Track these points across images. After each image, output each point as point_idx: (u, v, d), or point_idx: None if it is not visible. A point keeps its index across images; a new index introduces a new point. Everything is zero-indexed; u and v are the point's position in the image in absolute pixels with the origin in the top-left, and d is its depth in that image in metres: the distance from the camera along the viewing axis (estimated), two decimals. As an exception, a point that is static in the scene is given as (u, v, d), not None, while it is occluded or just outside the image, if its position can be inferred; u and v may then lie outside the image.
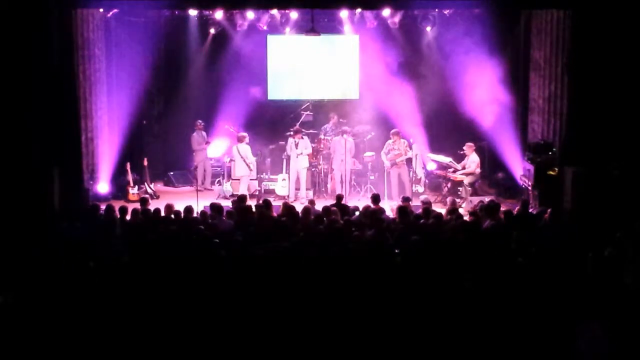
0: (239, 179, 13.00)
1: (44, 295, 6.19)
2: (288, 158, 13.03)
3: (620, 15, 10.41)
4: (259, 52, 14.89)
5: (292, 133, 13.01)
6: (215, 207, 9.32)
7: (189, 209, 9.22)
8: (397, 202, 10.91)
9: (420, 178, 13.42)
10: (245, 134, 13.20)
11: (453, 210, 9.49)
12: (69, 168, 10.98)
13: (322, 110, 14.84)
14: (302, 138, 12.89)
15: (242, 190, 12.51)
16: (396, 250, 7.44)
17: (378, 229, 8.06)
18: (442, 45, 14.34)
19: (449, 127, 14.40)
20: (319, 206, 9.70)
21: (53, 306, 6.03)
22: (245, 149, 12.90)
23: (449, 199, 10.49)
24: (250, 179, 13.08)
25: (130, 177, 13.01)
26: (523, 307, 5.96)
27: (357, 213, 9.41)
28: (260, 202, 10.20)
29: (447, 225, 8.56)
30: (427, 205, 9.75)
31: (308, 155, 12.96)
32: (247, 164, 12.81)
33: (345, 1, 12.21)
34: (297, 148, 12.81)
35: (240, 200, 9.98)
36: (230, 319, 5.88)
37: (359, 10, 13.48)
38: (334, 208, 9.33)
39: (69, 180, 10.94)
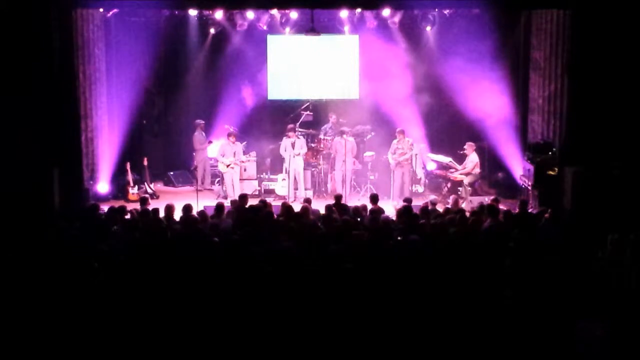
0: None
1: (45, 295, 6.19)
2: (283, 159, 12.97)
3: (620, 15, 10.41)
4: (259, 52, 14.89)
5: (287, 133, 12.95)
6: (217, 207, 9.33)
7: (187, 208, 9.24)
8: (399, 202, 10.90)
9: (420, 178, 13.43)
10: (231, 131, 13.22)
11: (453, 210, 9.50)
12: (69, 168, 10.99)
13: (322, 110, 14.84)
14: (297, 137, 12.86)
15: (227, 188, 12.75)
16: (396, 251, 7.44)
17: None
18: (442, 45, 14.35)
19: (449, 127, 14.41)
20: (319, 206, 9.69)
21: (53, 306, 6.03)
22: (225, 146, 12.90)
23: (451, 198, 10.50)
24: (243, 179, 13.13)
25: (130, 177, 13.01)
26: (523, 306, 5.96)
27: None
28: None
29: (448, 224, 8.55)
30: (432, 205, 9.76)
31: (305, 155, 12.94)
32: (224, 163, 12.79)
33: (345, 1, 12.21)
34: (293, 148, 12.78)
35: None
36: (229, 319, 5.88)
37: (359, 10, 13.47)
38: (335, 208, 9.33)
39: (69, 180, 10.95)
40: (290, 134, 12.82)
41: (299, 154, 12.80)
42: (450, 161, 13.03)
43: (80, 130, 11.67)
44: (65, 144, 10.98)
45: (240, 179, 13.12)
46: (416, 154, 13.09)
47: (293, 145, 12.77)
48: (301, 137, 13.04)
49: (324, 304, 6.02)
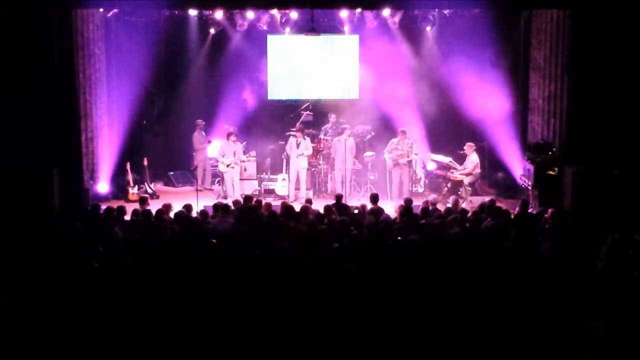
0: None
1: (44, 295, 6.19)
2: (288, 158, 13.03)
3: (620, 15, 10.42)
4: (259, 52, 14.90)
5: (294, 132, 12.99)
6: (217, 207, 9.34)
7: (188, 207, 9.25)
8: (399, 203, 10.90)
9: (420, 178, 13.43)
10: (231, 131, 13.26)
11: (454, 210, 9.50)
12: (69, 168, 11.00)
13: (322, 110, 14.84)
14: (304, 138, 12.88)
15: (227, 188, 12.79)
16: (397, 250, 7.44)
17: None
18: (442, 45, 14.36)
19: (449, 127, 14.41)
20: (319, 206, 9.68)
21: (53, 306, 6.03)
22: (225, 146, 12.94)
23: (451, 198, 10.50)
24: (243, 179, 13.15)
25: (130, 177, 13.02)
26: (523, 306, 5.96)
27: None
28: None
29: (449, 225, 8.56)
30: (433, 205, 9.76)
31: (308, 156, 12.96)
32: (224, 163, 12.83)
33: (345, 1, 12.22)
34: (298, 148, 12.79)
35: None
36: (229, 319, 5.88)
37: (359, 10, 13.48)
38: (334, 208, 9.33)
39: (69, 180, 10.96)
40: (298, 133, 12.83)
41: (302, 154, 12.80)
42: (451, 161, 13.03)
43: (80, 130, 11.68)
44: (65, 144, 10.99)
45: (240, 179, 13.14)
46: (416, 154, 13.08)
47: (298, 145, 12.79)
48: (307, 138, 13.04)
49: (324, 304, 6.02)
